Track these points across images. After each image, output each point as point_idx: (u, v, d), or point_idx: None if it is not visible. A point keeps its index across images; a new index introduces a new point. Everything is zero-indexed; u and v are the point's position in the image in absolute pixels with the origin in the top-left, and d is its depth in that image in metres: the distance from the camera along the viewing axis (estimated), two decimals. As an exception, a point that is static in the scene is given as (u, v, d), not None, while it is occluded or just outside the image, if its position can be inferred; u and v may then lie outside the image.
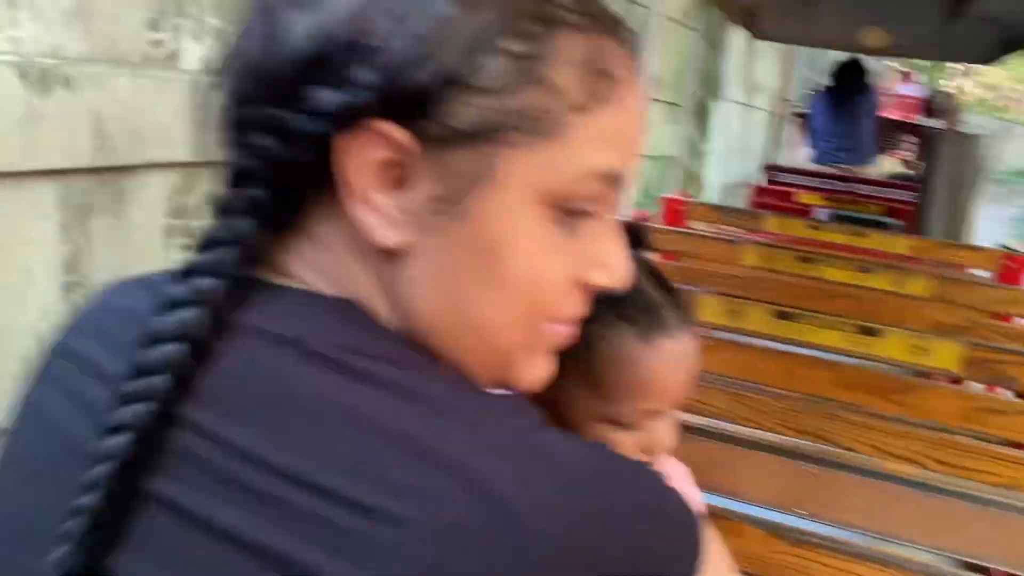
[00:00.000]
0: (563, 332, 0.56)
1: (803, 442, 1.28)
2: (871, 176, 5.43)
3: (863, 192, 5.11)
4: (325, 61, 0.47)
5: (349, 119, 0.47)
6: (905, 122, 6.79)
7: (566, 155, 0.49)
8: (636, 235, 0.72)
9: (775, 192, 5.05)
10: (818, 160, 5.55)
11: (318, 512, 0.43)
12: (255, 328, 0.49)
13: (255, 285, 0.51)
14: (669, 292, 0.77)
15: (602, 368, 0.73)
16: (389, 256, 0.50)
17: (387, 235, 0.49)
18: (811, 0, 4.37)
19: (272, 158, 0.48)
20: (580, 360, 0.73)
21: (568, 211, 0.51)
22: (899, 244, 3.15)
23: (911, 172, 5.95)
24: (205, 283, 0.48)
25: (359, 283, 0.51)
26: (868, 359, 1.78)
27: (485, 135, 0.47)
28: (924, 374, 1.83)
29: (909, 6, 3.99)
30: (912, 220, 4.44)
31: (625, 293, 0.74)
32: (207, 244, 0.49)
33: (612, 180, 0.52)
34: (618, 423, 0.75)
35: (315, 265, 0.52)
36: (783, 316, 1.78)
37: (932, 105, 6.50)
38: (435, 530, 0.42)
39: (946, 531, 1.06)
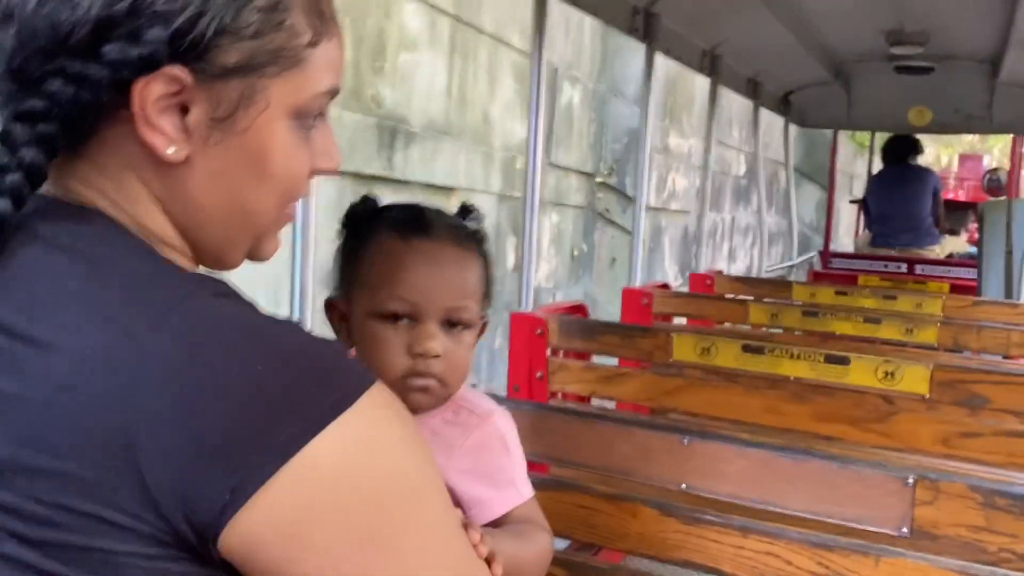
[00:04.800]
0: (293, 212, 0.74)
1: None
2: (932, 256, 5.32)
3: (923, 272, 5.02)
4: (116, 22, 0.60)
5: (145, 67, 0.60)
6: (972, 203, 6.68)
7: (305, 79, 0.66)
8: (465, 210, 0.95)
9: (831, 276, 5.02)
10: (878, 244, 5.48)
11: (8, 348, 0.57)
12: (35, 232, 0.63)
13: (44, 202, 0.64)
14: (454, 224, 0.91)
15: (369, 264, 0.88)
16: (170, 169, 0.64)
17: (171, 151, 0.62)
18: (851, 85, 4.47)
19: (67, 101, 0.61)
20: (357, 264, 0.89)
21: (306, 120, 0.67)
22: (932, 304, 3.09)
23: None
24: None
25: (136, 199, 0.64)
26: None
27: (248, 69, 0.63)
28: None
29: (956, 83, 4.03)
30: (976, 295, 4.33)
31: (409, 214, 0.88)
32: None
33: (333, 94, 0.69)
34: (383, 316, 0.86)
35: (95, 186, 0.65)
36: (750, 350, 1.80)
37: (987, 183, 6.37)
38: (73, 353, 0.55)
39: (820, 495, 1.07)
